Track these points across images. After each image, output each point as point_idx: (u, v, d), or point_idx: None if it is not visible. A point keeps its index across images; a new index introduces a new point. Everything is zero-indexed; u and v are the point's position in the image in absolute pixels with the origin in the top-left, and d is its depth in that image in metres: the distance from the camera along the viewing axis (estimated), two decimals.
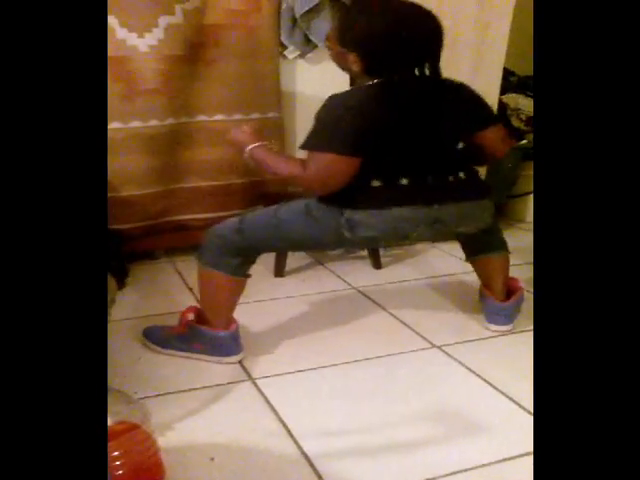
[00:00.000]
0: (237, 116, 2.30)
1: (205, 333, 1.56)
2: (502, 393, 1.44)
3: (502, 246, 1.80)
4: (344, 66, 1.52)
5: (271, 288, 2.11)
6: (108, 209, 1.90)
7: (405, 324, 1.83)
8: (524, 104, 2.80)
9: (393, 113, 1.43)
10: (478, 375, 1.52)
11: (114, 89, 2.06)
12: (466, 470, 1.17)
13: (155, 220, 2.30)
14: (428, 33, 1.45)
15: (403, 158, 1.47)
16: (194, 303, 1.77)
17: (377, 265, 2.32)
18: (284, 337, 1.74)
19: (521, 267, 2.14)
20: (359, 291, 2.10)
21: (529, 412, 1.36)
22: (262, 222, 1.55)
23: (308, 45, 2.38)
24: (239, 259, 1.55)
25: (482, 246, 1.79)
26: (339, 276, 2.24)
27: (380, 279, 2.22)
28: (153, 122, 2.15)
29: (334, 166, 1.39)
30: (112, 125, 2.09)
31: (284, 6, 2.29)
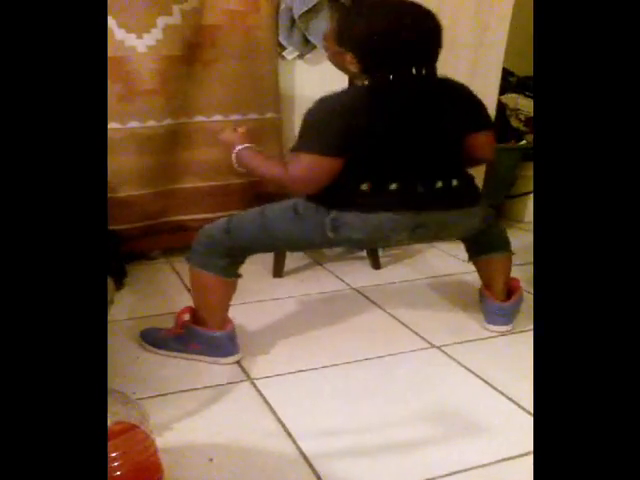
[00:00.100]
0: (235, 117, 2.30)
1: (201, 333, 1.56)
2: (501, 393, 1.44)
3: (505, 246, 1.80)
4: (341, 66, 1.51)
5: (270, 288, 2.11)
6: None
7: (404, 324, 1.82)
8: (523, 104, 2.80)
9: (383, 115, 1.41)
10: (477, 375, 1.52)
11: (112, 89, 2.06)
12: (465, 470, 1.17)
13: (153, 220, 2.29)
14: (426, 33, 1.44)
15: (394, 162, 1.45)
16: (192, 303, 1.77)
17: (376, 265, 2.32)
18: (283, 337, 1.73)
19: (520, 267, 2.14)
20: (358, 291, 2.10)
21: (528, 412, 1.36)
22: (249, 222, 1.56)
23: (307, 46, 2.38)
24: (227, 260, 1.55)
25: (485, 246, 1.79)
26: (338, 276, 2.23)
27: (379, 279, 2.21)
28: (151, 122, 2.14)
29: (315, 166, 1.39)
30: (110, 125, 2.09)
31: (282, 7, 2.29)
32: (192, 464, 1.19)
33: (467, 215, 1.56)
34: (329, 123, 1.40)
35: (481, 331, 1.77)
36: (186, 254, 1.61)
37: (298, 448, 1.24)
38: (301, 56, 2.41)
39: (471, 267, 1.86)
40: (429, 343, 1.70)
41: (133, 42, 2.06)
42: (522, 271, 1.98)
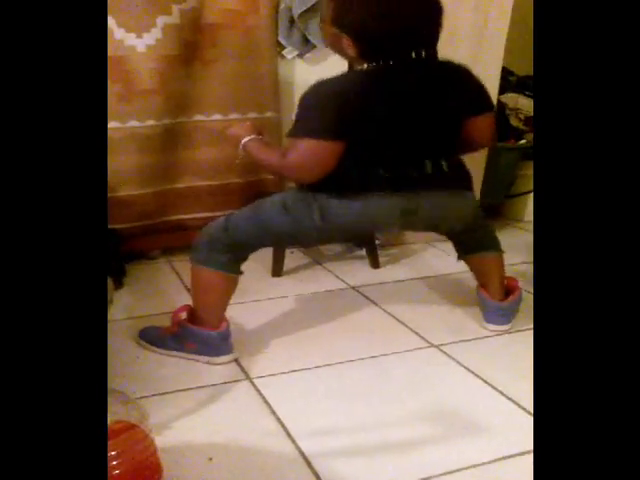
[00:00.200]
0: (234, 116, 2.30)
1: (195, 332, 1.56)
2: (500, 392, 1.44)
3: (495, 245, 1.80)
4: (339, 50, 1.46)
5: (269, 288, 2.11)
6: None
7: (403, 323, 1.82)
8: (523, 104, 2.81)
9: (382, 99, 1.38)
10: (476, 374, 1.52)
11: (112, 89, 2.06)
12: (464, 469, 1.17)
13: (152, 220, 2.29)
14: (426, 15, 1.39)
15: (389, 146, 1.42)
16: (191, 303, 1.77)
17: (375, 264, 2.32)
18: (282, 337, 1.73)
19: (519, 266, 2.14)
20: (357, 290, 2.10)
21: (528, 412, 1.36)
22: (245, 218, 1.56)
23: (306, 45, 2.37)
24: (228, 255, 1.54)
25: (475, 245, 1.78)
26: (337, 276, 2.24)
27: (378, 278, 2.21)
28: (151, 122, 2.15)
29: (314, 151, 1.35)
30: (110, 125, 2.09)
31: (282, 6, 2.29)
32: (191, 463, 1.19)
33: (458, 198, 1.54)
34: (326, 106, 1.35)
35: (480, 330, 1.77)
36: (187, 254, 1.61)
37: (297, 447, 1.24)
38: (300, 55, 2.41)
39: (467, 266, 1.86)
40: (428, 342, 1.70)
41: (133, 41, 2.06)
42: (522, 270, 1.98)
